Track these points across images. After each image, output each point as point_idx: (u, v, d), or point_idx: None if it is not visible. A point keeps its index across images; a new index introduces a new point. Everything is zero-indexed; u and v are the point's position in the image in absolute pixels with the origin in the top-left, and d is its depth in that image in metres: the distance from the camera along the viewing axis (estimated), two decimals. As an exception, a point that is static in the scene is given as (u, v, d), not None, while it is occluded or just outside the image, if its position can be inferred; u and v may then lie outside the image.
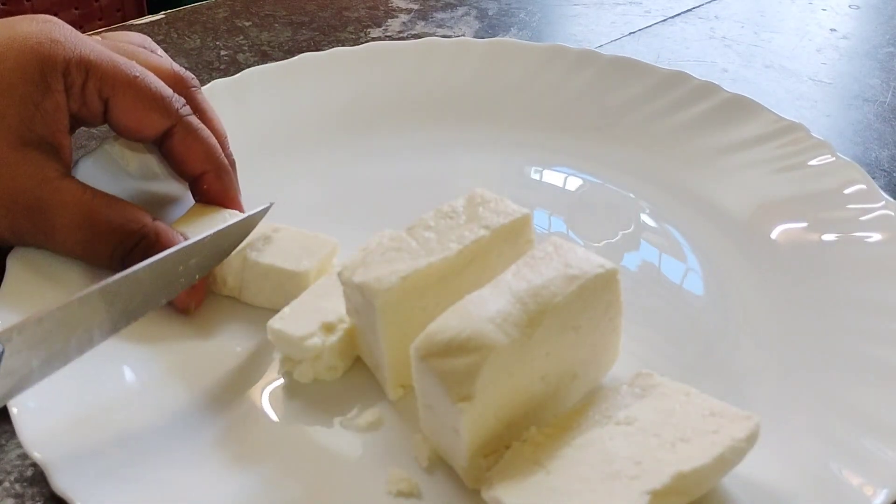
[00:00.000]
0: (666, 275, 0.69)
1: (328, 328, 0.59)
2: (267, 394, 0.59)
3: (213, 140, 0.69)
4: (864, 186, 0.70)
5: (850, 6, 1.12)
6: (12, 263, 0.64)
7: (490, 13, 1.10)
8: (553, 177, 0.78)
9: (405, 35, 1.05)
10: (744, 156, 0.76)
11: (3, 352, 0.48)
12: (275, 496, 0.53)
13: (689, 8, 1.11)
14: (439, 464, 0.54)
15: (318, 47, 1.01)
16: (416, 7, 1.11)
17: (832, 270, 0.65)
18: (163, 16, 1.10)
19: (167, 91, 0.67)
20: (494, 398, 0.50)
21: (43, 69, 0.62)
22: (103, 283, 0.53)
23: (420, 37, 0.99)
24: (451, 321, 0.51)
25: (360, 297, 0.55)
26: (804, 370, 0.59)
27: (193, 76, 0.72)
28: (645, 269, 0.69)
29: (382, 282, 0.54)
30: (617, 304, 0.56)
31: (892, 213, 0.67)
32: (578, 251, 0.55)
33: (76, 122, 0.67)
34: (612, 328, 0.57)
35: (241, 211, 0.70)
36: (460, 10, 1.11)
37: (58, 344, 0.51)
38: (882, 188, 0.69)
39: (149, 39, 0.73)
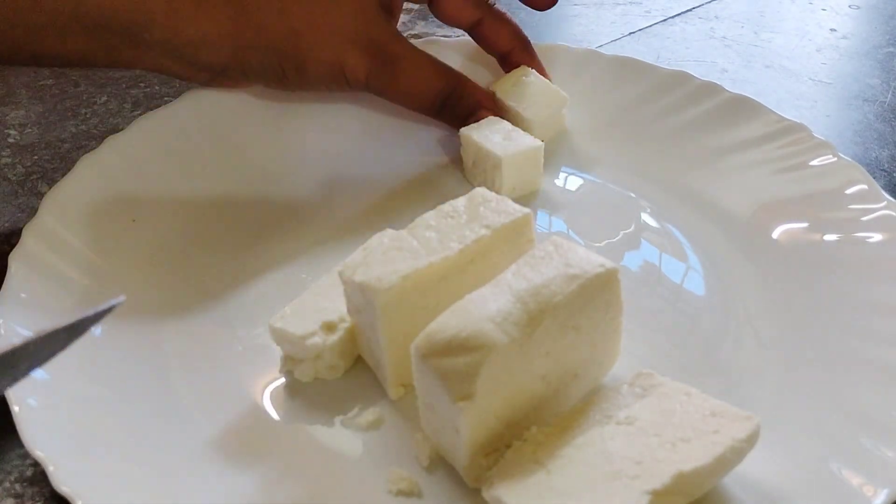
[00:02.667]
0: (667, 274, 0.69)
1: (329, 327, 0.59)
2: (268, 393, 0.59)
3: (516, 22, 0.81)
4: (865, 187, 0.70)
5: (850, 6, 1.12)
6: (13, 263, 0.64)
7: (490, 13, 1.10)
8: (554, 176, 0.78)
9: (405, 35, 1.05)
10: (745, 156, 0.76)
11: None
12: (275, 496, 0.53)
13: (689, 8, 1.11)
14: (440, 463, 0.54)
15: (318, 47, 1.01)
16: (416, 7, 1.11)
17: (833, 271, 0.65)
18: (163, 15, 1.09)
19: None
20: (495, 397, 0.50)
21: None
22: None
23: (420, 37, 0.98)
24: (452, 320, 0.51)
25: (360, 296, 0.55)
26: (805, 370, 0.59)
27: None
28: (646, 269, 0.69)
29: (383, 281, 0.54)
30: (617, 303, 0.56)
31: (894, 214, 0.67)
32: (579, 250, 0.55)
33: None
34: (612, 328, 0.57)
35: (546, 76, 0.82)
36: (461, 10, 1.10)
37: None
38: (882, 188, 0.69)
39: None
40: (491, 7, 0.80)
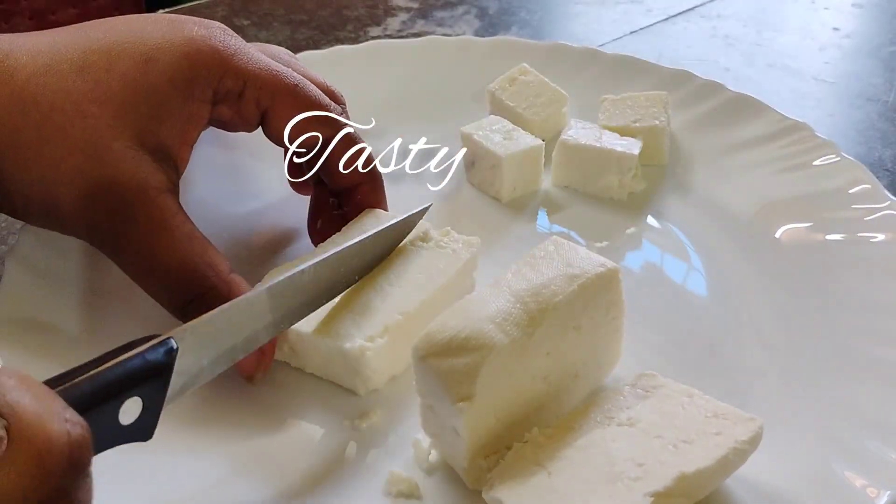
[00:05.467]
0: (669, 275, 0.68)
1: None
2: (267, 396, 0.58)
3: (370, 152, 0.67)
4: (868, 186, 0.69)
5: (852, 5, 1.12)
6: (10, 263, 0.63)
7: (490, 12, 1.10)
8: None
9: (405, 34, 1.05)
10: (748, 155, 0.76)
11: (178, 349, 0.47)
12: (276, 496, 0.52)
13: (691, 7, 1.11)
14: (440, 464, 0.53)
15: (317, 46, 1.01)
16: (415, 6, 1.11)
17: (837, 271, 0.65)
18: (162, 14, 1.09)
19: (325, 100, 0.65)
20: (495, 398, 0.50)
21: (193, 76, 0.60)
22: (270, 284, 0.54)
23: (420, 35, 0.98)
24: (451, 321, 0.50)
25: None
26: (808, 371, 0.59)
27: (341, 93, 0.69)
28: (648, 269, 0.69)
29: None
30: (619, 303, 0.55)
31: (897, 213, 0.67)
32: (580, 250, 0.54)
33: (226, 127, 0.65)
34: (614, 328, 0.56)
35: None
36: (460, 9, 1.10)
37: (226, 344, 0.52)
38: (886, 187, 0.69)
39: (288, 52, 0.70)
40: (343, 126, 0.65)
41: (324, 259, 0.57)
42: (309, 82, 0.65)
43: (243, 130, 0.66)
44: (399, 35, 1.05)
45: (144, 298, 0.60)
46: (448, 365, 0.49)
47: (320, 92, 0.65)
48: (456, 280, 0.62)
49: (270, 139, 0.65)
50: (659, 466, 0.47)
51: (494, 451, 0.51)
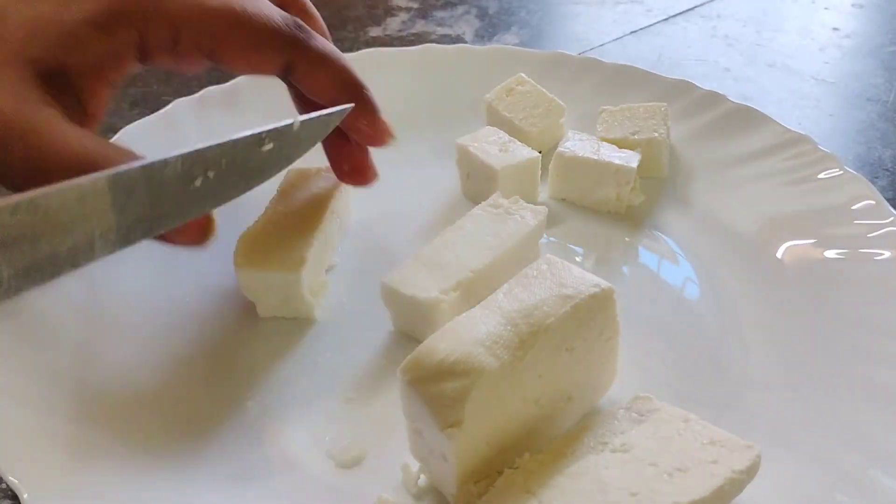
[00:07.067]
0: (667, 290, 0.67)
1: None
2: (254, 416, 0.58)
3: (343, 62, 0.60)
4: (872, 202, 0.68)
5: (852, 5, 1.11)
6: None
7: (490, 11, 1.09)
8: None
9: (405, 34, 1.04)
10: (749, 168, 0.74)
11: None
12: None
13: (690, 7, 1.10)
14: (429, 490, 0.53)
15: (315, 46, 1.00)
16: (415, 6, 1.10)
17: (840, 290, 0.63)
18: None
19: (277, 20, 0.57)
20: (485, 423, 0.49)
21: (114, 17, 0.53)
22: (114, 171, 0.40)
23: (420, 35, 0.98)
24: (440, 344, 0.50)
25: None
26: (809, 395, 0.57)
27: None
28: (645, 284, 0.68)
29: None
30: (613, 324, 0.54)
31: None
32: (574, 270, 0.53)
33: (176, 71, 0.59)
34: (608, 349, 0.55)
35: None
36: (460, 9, 1.09)
37: (43, 249, 0.38)
38: (885, 188, 0.68)
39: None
40: (301, 43, 0.57)
41: (196, 151, 0.44)
42: (261, 8, 0.56)
43: (194, 73, 0.60)
44: (399, 35, 1.04)
45: (134, 300, 0.60)
46: (436, 390, 0.48)
47: (269, 9, 0.57)
48: (523, 244, 0.65)
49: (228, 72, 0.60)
50: (653, 496, 0.46)
51: (485, 477, 0.51)
